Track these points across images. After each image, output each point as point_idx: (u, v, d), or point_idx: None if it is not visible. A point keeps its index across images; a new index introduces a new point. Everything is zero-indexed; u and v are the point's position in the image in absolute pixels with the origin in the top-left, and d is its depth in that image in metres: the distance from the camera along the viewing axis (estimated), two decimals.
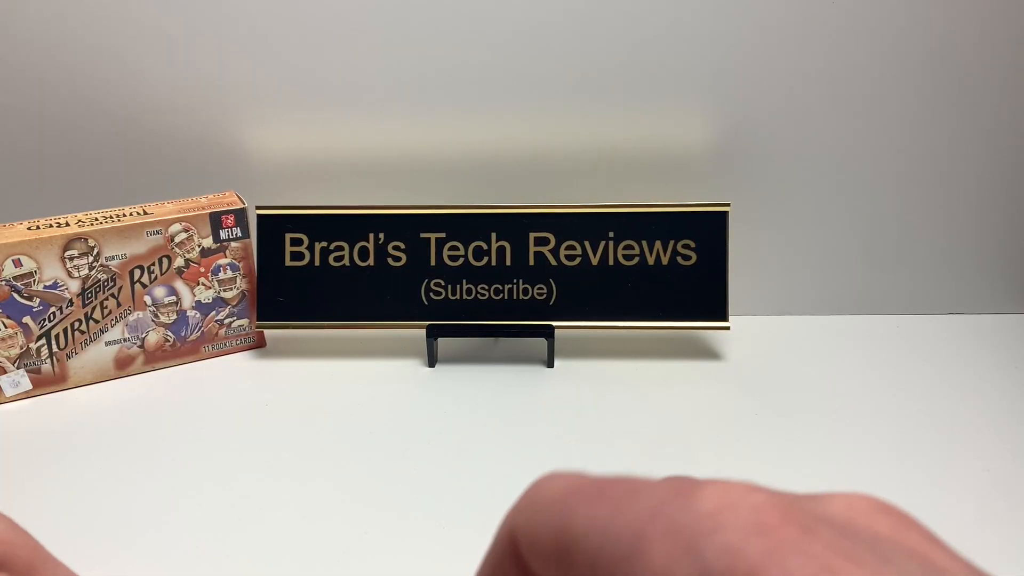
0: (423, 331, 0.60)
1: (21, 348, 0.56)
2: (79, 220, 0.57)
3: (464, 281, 0.60)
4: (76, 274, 0.56)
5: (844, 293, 0.68)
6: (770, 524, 0.12)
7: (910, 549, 0.13)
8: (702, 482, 0.14)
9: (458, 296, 0.60)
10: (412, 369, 0.60)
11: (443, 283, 0.60)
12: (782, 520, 0.13)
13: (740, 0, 0.60)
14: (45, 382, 0.58)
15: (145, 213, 0.58)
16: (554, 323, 0.60)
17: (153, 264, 0.59)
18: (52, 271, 0.56)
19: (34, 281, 0.55)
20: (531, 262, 0.60)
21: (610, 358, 0.61)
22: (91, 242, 0.56)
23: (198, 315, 0.61)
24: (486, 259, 0.60)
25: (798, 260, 0.67)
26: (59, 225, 0.56)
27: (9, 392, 0.57)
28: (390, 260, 0.60)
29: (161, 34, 0.61)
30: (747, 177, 0.65)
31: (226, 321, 0.62)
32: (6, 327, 0.56)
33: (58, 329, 0.57)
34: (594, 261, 0.60)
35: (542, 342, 0.60)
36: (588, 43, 0.61)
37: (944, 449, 0.52)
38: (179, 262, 0.59)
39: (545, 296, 0.60)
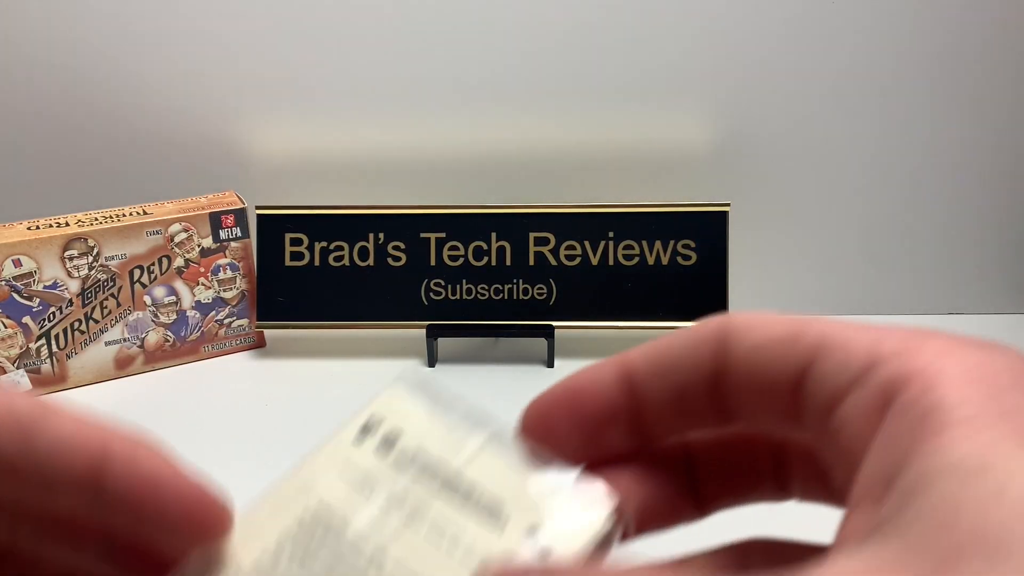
0: (423, 331, 0.60)
1: (21, 348, 0.56)
2: (79, 220, 0.57)
3: (464, 281, 0.60)
4: (76, 274, 0.56)
5: (844, 293, 0.68)
6: None
7: None
8: None
9: (458, 296, 0.60)
10: (412, 369, 0.60)
11: (443, 283, 0.60)
12: None
13: None
14: (45, 382, 0.58)
15: (145, 213, 0.58)
16: (554, 323, 0.60)
17: (153, 264, 0.59)
18: (52, 271, 0.56)
19: (34, 281, 0.55)
20: (531, 262, 0.60)
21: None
22: (91, 242, 0.56)
23: (198, 315, 0.61)
24: (486, 259, 0.60)
25: (798, 260, 0.67)
26: (59, 225, 0.56)
27: None
28: (390, 260, 0.60)
29: (161, 34, 0.61)
30: (747, 177, 0.65)
31: (226, 321, 0.62)
32: (6, 327, 0.55)
33: (58, 329, 0.57)
34: (594, 261, 0.60)
35: (542, 342, 0.60)
36: (588, 42, 0.61)
37: None
38: (179, 262, 0.59)
39: (545, 296, 0.60)
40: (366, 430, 0.24)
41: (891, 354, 0.17)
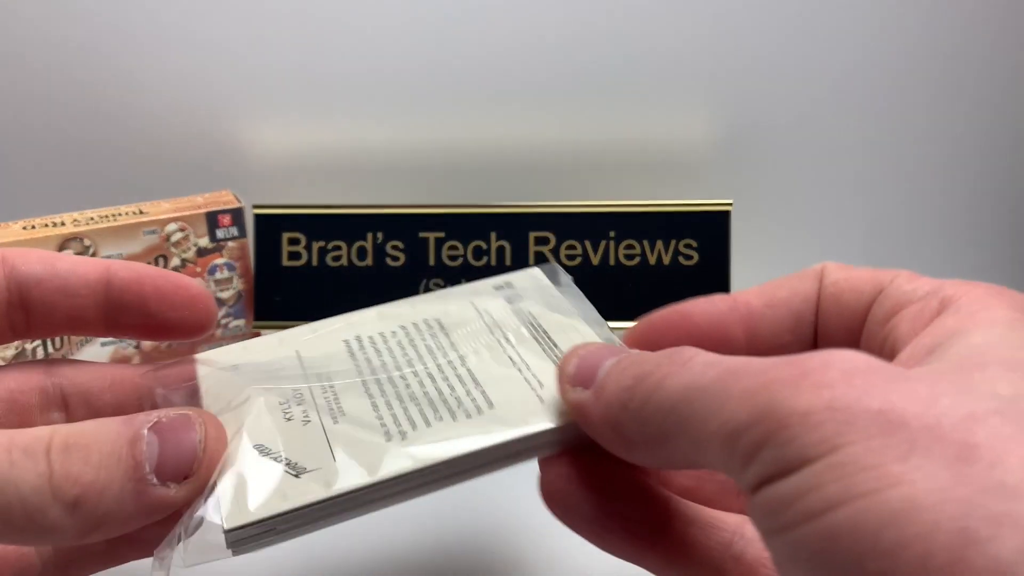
0: None
1: (16, 349, 0.56)
2: (75, 219, 0.57)
3: (464, 281, 0.59)
4: None
5: None
6: None
7: None
8: None
9: None
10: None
11: (442, 283, 0.59)
12: None
13: None
14: None
15: (141, 212, 0.58)
16: None
17: (149, 263, 0.58)
18: None
19: None
20: (531, 262, 0.59)
21: None
22: (87, 242, 0.56)
23: None
24: (485, 259, 0.59)
25: (802, 260, 0.67)
26: (54, 225, 0.56)
27: None
28: (389, 260, 0.60)
29: (157, 32, 0.61)
30: (750, 175, 0.64)
31: (223, 321, 0.61)
32: None
33: None
34: (595, 261, 0.59)
35: None
36: (588, 40, 0.61)
37: None
38: (175, 262, 0.59)
39: None
40: (499, 287, 0.30)
41: (951, 284, 0.21)
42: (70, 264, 0.25)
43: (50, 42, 0.61)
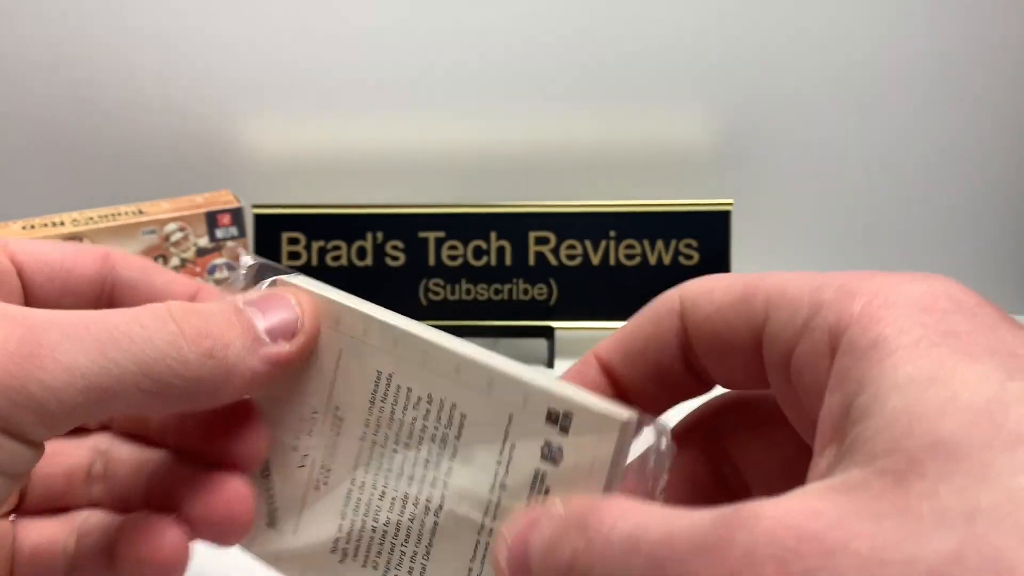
0: None
1: None
2: (74, 219, 0.56)
3: (463, 281, 0.59)
4: None
5: None
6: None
7: None
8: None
9: (457, 296, 0.59)
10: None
11: (442, 283, 0.59)
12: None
13: None
14: None
15: (140, 212, 0.58)
16: (554, 323, 0.59)
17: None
18: None
19: None
20: (531, 262, 0.59)
21: None
22: (86, 241, 0.56)
23: None
24: (485, 259, 0.59)
25: (801, 259, 0.67)
26: (54, 225, 0.56)
27: None
28: (388, 260, 0.60)
29: (157, 31, 0.61)
30: (750, 175, 0.64)
31: None
32: None
33: None
34: (595, 261, 0.59)
35: (542, 342, 0.59)
36: (588, 39, 0.61)
37: None
38: (175, 262, 0.59)
39: (545, 296, 0.59)
40: (553, 419, 0.20)
41: (832, 299, 0.17)
42: (164, 279, 0.26)
43: (50, 42, 0.61)
